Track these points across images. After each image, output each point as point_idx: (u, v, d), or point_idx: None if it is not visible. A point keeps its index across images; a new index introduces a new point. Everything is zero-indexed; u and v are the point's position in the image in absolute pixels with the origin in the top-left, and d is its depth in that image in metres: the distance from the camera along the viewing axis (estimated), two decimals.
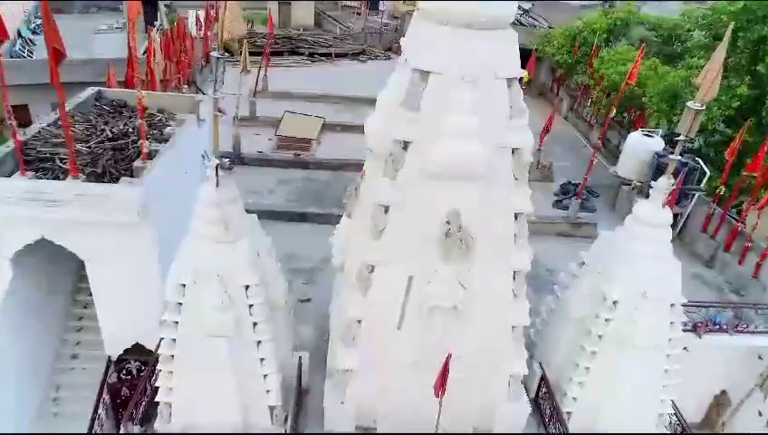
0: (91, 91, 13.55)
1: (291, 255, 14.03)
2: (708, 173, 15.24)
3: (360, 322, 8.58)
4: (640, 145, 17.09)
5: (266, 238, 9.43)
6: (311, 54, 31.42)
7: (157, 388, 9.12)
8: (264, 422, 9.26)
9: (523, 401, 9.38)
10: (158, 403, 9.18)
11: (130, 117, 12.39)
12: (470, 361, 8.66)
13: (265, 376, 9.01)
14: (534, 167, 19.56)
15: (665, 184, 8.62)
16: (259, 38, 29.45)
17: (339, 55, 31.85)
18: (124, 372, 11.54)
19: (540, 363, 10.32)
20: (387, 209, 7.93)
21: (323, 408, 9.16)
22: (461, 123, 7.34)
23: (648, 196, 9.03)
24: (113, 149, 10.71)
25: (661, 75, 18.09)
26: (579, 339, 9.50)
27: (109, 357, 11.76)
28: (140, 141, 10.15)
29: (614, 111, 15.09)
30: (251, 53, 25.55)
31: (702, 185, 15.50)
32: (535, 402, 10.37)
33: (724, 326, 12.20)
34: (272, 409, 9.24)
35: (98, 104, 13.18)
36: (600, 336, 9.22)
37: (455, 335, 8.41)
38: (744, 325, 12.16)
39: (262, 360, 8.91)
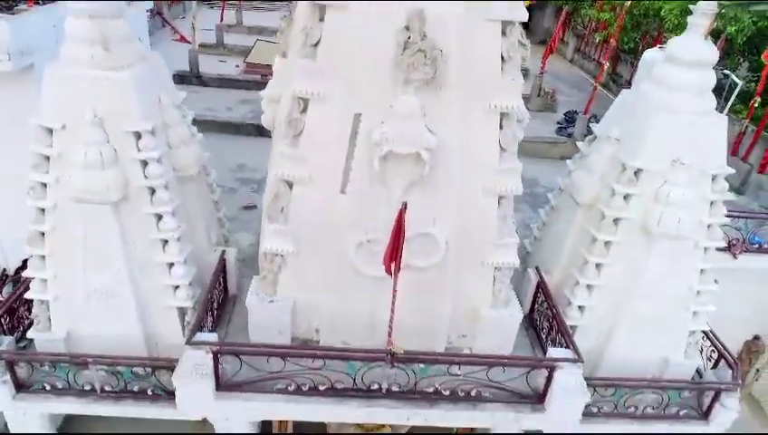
0: None
1: (241, 165, 11.94)
2: (740, 84, 12.93)
3: (291, 186, 6.32)
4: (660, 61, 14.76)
5: (177, 93, 7.16)
6: None
7: None
8: (173, 333, 7.01)
9: (512, 307, 7.11)
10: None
11: None
12: (440, 244, 6.43)
13: (171, 266, 6.78)
14: (535, 95, 17.32)
15: (707, 4, 6.34)
16: None
17: None
18: (23, 287, 9.30)
19: (537, 268, 8.04)
20: (322, 14, 5.66)
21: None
22: None
23: None
24: None
25: None
26: (588, 230, 7.23)
27: (3, 270, 9.58)
28: None
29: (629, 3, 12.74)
30: None
31: (732, 99, 13.18)
32: (530, 320, 8.11)
33: (766, 246, 9.93)
34: (182, 313, 7.01)
35: None
36: (616, 221, 6.95)
37: (418, 203, 6.14)
38: None
39: (165, 243, 6.67)
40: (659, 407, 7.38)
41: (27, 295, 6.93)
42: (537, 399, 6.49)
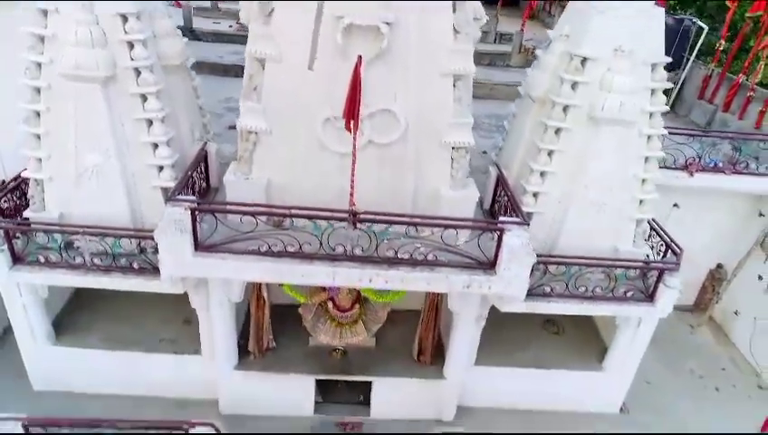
0: None
1: (229, 98, 12.68)
2: (706, 28, 13.53)
3: (263, 65, 6.95)
4: None
5: None
6: None
7: None
8: (157, 214, 7.58)
9: (470, 188, 7.72)
10: None
11: None
12: (400, 120, 7.05)
13: (156, 147, 7.39)
14: (516, 52, 17.94)
15: None
16: None
17: None
18: (17, 195, 9.87)
19: (496, 164, 8.66)
20: None
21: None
22: None
23: None
24: None
25: None
26: (541, 121, 7.82)
27: (2, 182, 10.17)
28: None
29: None
30: None
31: (699, 43, 13.80)
32: (490, 213, 8.73)
33: (720, 165, 10.50)
34: (166, 194, 7.59)
35: None
36: (565, 109, 7.55)
37: (379, 79, 6.77)
38: (744, 164, 10.45)
39: (150, 124, 7.29)
40: (607, 288, 7.99)
41: (24, 174, 7.54)
42: (489, 265, 7.08)
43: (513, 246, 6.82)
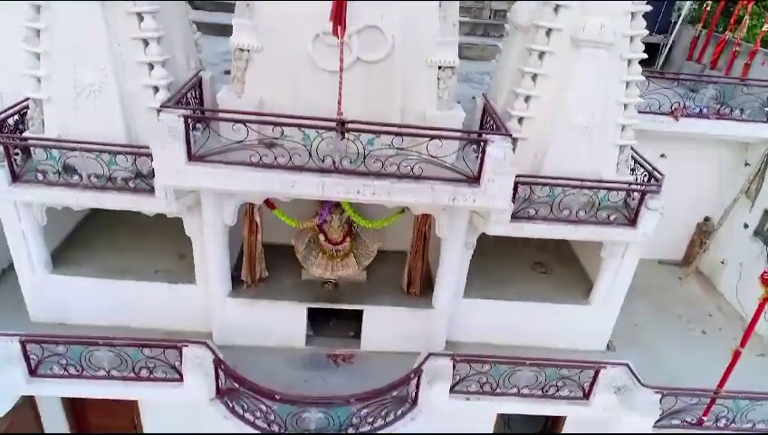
0: None
1: (225, 52, 12.78)
2: None
3: None
4: None
5: None
6: None
7: None
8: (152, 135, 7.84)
9: (456, 109, 7.94)
10: None
11: None
12: (387, 37, 7.28)
13: (151, 67, 7.62)
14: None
15: None
16: None
17: None
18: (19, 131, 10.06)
19: (483, 94, 8.89)
20: None
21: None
22: None
23: None
24: None
25: None
26: (526, 47, 8.06)
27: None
28: None
29: None
30: None
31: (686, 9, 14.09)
32: None
33: (705, 111, 10.73)
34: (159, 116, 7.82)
35: None
36: (548, 33, 7.78)
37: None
38: (727, 110, 10.67)
39: (146, 44, 7.52)
40: (591, 211, 8.20)
41: (24, 93, 7.76)
42: (474, 178, 7.28)
43: (496, 157, 7.03)
